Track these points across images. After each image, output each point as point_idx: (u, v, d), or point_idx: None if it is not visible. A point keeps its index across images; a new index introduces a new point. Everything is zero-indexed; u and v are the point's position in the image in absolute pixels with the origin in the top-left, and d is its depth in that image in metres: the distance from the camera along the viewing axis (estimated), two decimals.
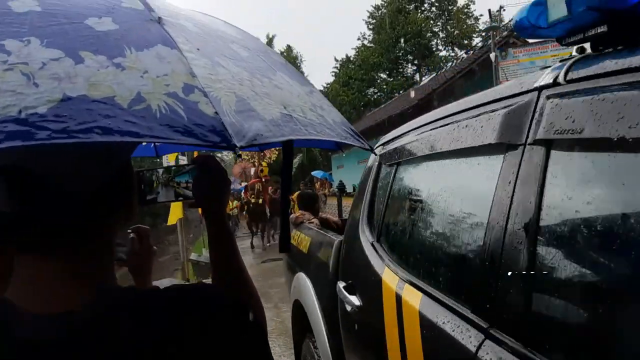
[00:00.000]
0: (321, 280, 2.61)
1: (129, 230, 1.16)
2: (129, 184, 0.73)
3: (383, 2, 32.32)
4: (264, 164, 14.31)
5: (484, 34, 20.09)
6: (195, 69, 0.59)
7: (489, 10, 11.12)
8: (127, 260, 1.15)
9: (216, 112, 0.55)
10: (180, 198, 1.05)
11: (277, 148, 16.39)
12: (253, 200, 13.22)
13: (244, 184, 19.37)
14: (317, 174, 15.26)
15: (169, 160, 7.36)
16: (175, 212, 7.43)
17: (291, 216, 4.04)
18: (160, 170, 1.04)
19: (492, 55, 10.19)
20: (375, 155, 1.26)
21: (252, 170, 17.33)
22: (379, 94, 31.64)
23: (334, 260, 2.39)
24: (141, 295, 0.68)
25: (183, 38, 0.65)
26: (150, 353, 0.59)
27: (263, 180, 13.65)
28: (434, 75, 20.27)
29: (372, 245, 1.91)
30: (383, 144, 2.23)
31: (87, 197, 0.62)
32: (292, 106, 0.73)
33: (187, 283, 0.86)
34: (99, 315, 0.59)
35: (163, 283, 4.65)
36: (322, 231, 3.05)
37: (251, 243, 13.21)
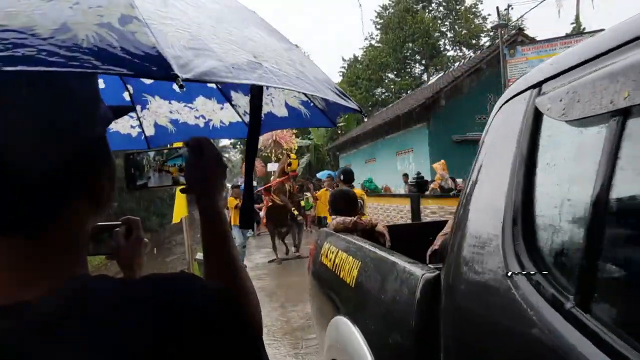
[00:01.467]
0: (392, 349, 1.47)
1: (117, 222, 1.11)
2: (97, 165, 0.66)
3: (391, 2, 32.26)
4: (292, 156, 11.33)
5: (492, 32, 19.96)
6: (139, 2, 0.55)
7: (497, 8, 10.99)
8: (115, 253, 1.09)
9: (157, 42, 0.51)
10: (174, 183, 1.00)
11: (295, 140, 15.98)
12: (281, 203, 10.85)
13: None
14: (322, 175, 15.12)
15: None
16: (180, 209, 7.33)
17: (333, 221, 3.12)
18: (152, 154, 0.98)
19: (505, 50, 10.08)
20: (364, 115, 0.79)
21: (275, 166, 14.70)
22: (386, 93, 31.56)
23: (421, 320, 1.29)
24: (112, 286, 0.61)
25: None
26: (117, 355, 0.52)
27: (290, 177, 11.16)
28: (441, 74, 20.15)
29: (579, 320, 0.78)
30: (542, 82, 1.10)
31: (39, 178, 0.55)
32: (264, 57, 0.69)
33: (169, 273, 0.78)
34: (57, 309, 0.52)
35: None
36: (385, 253, 1.81)
37: (277, 257, 10.92)
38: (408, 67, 32.24)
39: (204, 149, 0.89)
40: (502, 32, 11.36)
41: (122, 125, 1.54)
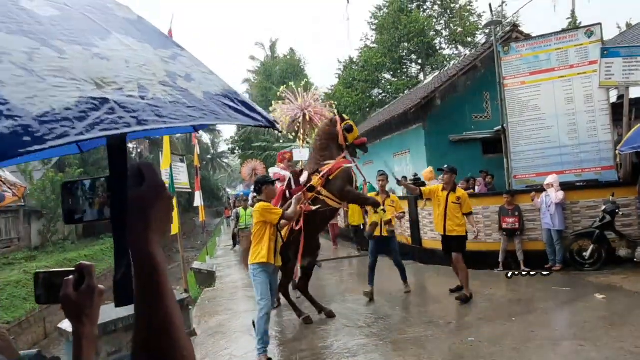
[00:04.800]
0: None
1: (70, 269, 0.99)
2: None
3: (385, 3, 32.12)
4: (347, 118, 7.04)
5: (487, 30, 19.80)
6: None
7: (490, 5, 10.85)
8: (62, 303, 0.97)
9: None
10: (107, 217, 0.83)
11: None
12: (337, 205, 6.56)
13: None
14: None
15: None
16: (174, 222, 7.21)
17: None
18: (87, 183, 0.82)
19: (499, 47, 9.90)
20: (278, 131, 0.67)
21: (305, 153, 10.48)
22: (383, 94, 31.39)
23: None
24: None
25: None
26: None
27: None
28: (437, 74, 19.99)
29: None
30: None
31: None
32: (120, 82, 0.52)
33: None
34: None
35: None
36: None
37: (322, 310, 6.73)
38: (404, 67, 32.08)
39: (144, 176, 0.75)
40: (496, 29, 11.22)
41: None
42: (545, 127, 9.44)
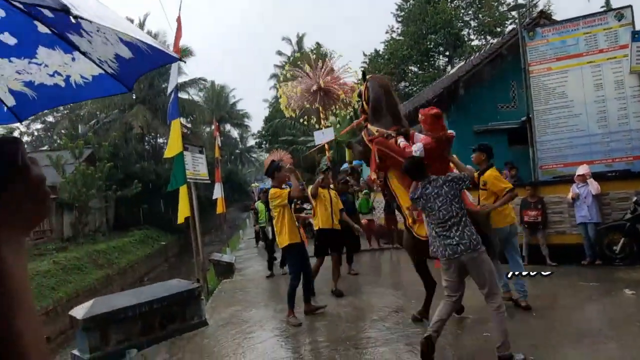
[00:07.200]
0: None
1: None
2: None
3: None
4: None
5: (515, 16, 19.11)
6: None
7: None
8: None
9: None
10: None
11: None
12: None
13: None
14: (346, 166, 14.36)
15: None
16: (183, 209, 7.24)
17: None
18: None
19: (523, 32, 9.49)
20: (73, 17, 0.56)
21: (329, 133, 9.96)
22: (410, 87, 30.86)
23: None
24: None
25: None
26: None
27: None
28: (462, 64, 19.46)
29: None
30: None
31: None
32: None
33: None
34: None
35: (170, 284, 4.28)
36: None
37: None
38: (431, 59, 31.44)
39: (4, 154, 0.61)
40: (520, 12, 10.78)
41: None
42: (573, 115, 9.01)
